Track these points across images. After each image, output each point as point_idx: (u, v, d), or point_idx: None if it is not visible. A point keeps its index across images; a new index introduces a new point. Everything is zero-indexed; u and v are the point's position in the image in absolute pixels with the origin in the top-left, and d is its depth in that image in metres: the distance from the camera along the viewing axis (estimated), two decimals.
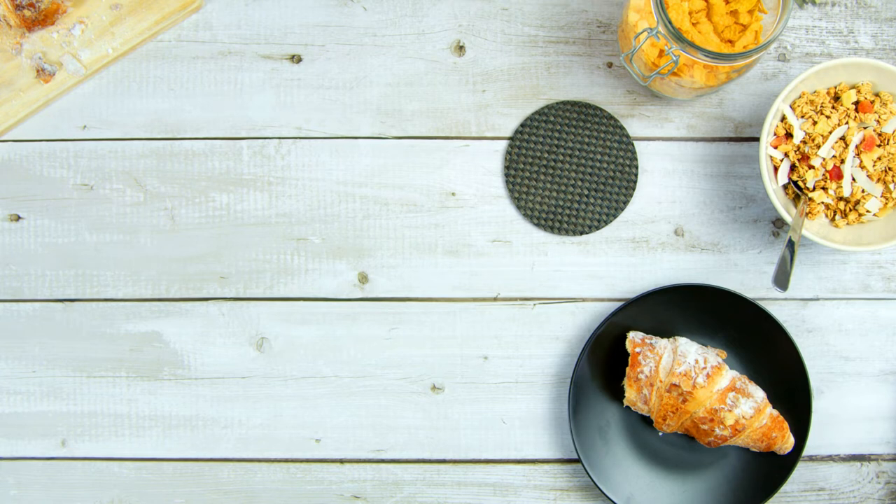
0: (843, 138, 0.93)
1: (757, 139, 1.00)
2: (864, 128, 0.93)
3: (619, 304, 1.00)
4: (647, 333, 0.98)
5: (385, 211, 1.00)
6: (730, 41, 0.91)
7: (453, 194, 1.00)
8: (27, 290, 1.01)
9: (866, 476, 1.00)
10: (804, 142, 0.93)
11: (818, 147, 0.93)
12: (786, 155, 0.94)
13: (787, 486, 1.00)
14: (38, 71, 0.98)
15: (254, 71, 1.00)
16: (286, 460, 1.01)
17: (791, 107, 0.94)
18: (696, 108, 1.00)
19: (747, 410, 0.94)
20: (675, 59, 0.86)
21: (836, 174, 0.93)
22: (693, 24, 0.90)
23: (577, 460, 1.00)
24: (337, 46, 1.00)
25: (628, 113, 1.00)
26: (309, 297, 1.00)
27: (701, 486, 0.99)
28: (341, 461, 1.01)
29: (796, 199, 0.95)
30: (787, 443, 0.96)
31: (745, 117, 1.00)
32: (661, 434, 0.99)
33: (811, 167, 0.93)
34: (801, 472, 1.00)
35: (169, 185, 1.00)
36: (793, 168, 0.95)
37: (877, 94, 0.95)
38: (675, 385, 0.94)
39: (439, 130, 1.00)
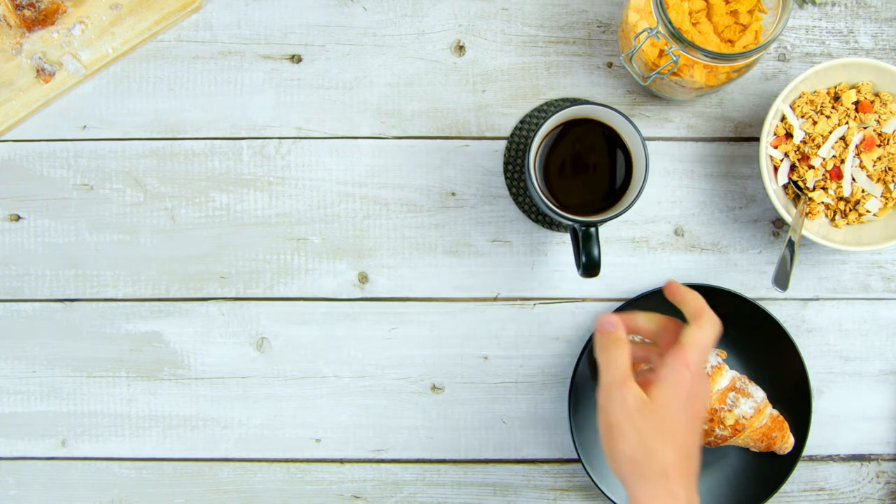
0: (843, 138, 0.93)
1: (757, 139, 1.00)
2: (864, 128, 0.93)
3: (618, 303, 1.00)
4: None
5: (385, 211, 1.00)
6: (730, 41, 0.91)
7: (453, 194, 1.00)
8: (27, 290, 1.00)
9: (866, 476, 1.00)
10: (804, 142, 0.93)
11: (818, 147, 0.93)
12: (786, 155, 0.94)
13: (787, 486, 1.00)
14: (38, 71, 0.98)
15: (254, 71, 1.00)
16: (286, 460, 1.01)
17: (791, 107, 0.94)
18: (696, 108, 1.00)
19: (747, 410, 0.94)
20: (675, 59, 0.86)
21: (836, 174, 0.93)
22: (693, 24, 0.90)
23: (577, 460, 1.00)
24: (337, 46, 1.00)
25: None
26: (309, 297, 1.00)
27: (701, 486, 0.98)
28: (341, 461, 1.01)
29: (796, 199, 0.95)
30: (787, 443, 0.96)
31: (745, 117, 1.00)
32: None
33: (811, 167, 0.93)
34: (801, 472, 1.00)
35: (169, 185, 1.00)
36: (793, 168, 0.95)
37: (877, 94, 0.95)
38: None
39: (439, 130, 1.00)
